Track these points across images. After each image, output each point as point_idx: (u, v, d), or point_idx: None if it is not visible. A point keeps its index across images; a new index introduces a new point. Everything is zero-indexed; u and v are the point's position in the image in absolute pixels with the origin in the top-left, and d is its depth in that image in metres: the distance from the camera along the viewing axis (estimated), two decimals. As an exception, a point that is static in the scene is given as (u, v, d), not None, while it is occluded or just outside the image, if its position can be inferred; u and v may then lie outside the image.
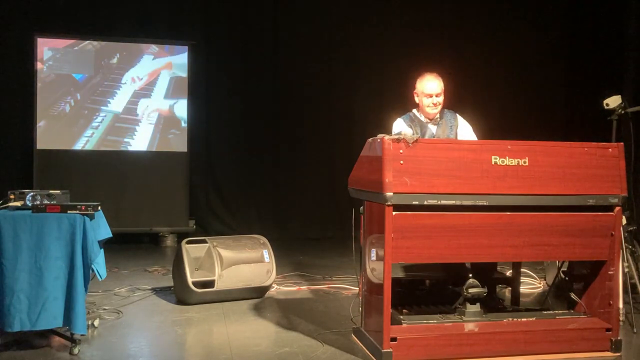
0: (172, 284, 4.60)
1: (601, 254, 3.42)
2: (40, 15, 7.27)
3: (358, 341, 3.55)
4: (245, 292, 4.53)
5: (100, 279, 3.48)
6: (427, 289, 4.11)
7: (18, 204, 3.42)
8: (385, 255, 3.12)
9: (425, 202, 3.15)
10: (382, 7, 8.24)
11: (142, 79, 7.44)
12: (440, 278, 4.04)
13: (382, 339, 3.14)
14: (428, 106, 4.01)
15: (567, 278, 4.30)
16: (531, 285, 5.13)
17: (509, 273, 4.60)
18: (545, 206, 3.29)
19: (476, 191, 3.21)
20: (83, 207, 3.32)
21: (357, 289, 3.92)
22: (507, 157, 3.25)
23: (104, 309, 4.19)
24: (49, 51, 7.17)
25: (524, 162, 3.27)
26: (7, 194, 3.47)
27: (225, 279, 4.39)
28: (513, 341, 3.30)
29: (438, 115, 4.06)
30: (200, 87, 7.76)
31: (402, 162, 3.13)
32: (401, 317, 3.41)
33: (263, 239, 4.77)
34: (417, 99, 4.09)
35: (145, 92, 7.45)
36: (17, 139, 7.28)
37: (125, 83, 7.39)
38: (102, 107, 7.32)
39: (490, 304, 3.72)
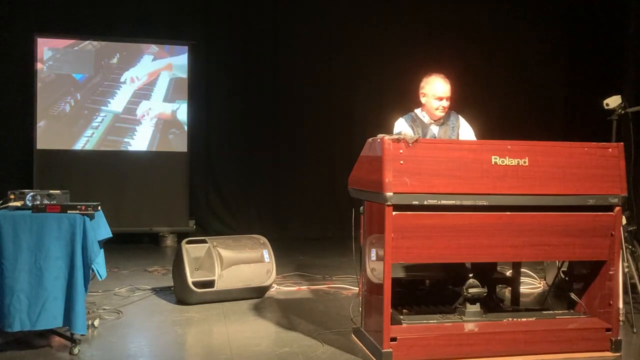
0: (172, 284, 4.61)
1: (601, 254, 3.42)
2: (40, 15, 7.27)
3: (358, 341, 3.55)
4: (245, 292, 4.53)
5: (100, 279, 3.48)
6: (427, 289, 4.11)
7: (18, 204, 3.42)
8: (385, 255, 3.12)
9: (425, 202, 3.15)
10: (382, 7, 8.24)
11: (142, 79, 7.44)
12: (440, 278, 4.04)
13: (382, 339, 3.14)
14: (437, 109, 3.97)
15: (567, 278, 4.30)
16: (531, 285, 5.14)
17: (509, 273, 4.60)
18: (545, 206, 3.29)
19: (476, 191, 3.21)
20: (83, 207, 3.32)
21: (357, 289, 3.92)
22: (507, 157, 3.25)
23: (104, 309, 4.19)
24: (49, 51, 7.17)
25: (524, 162, 3.27)
26: (7, 194, 3.46)
27: (225, 279, 4.39)
28: (513, 341, 3.30)
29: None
30: (200, 87, 7.77)
31: (402, 162, 3.13)
32: (401, 317, 3.41)
33: (263, 239, 4.77)
34: (423, 100, 4.02)
35: (145, 92, 7.45)
36: (17, 139, 7.28)
37: (125, 83, 7.39)
38: (102, 107, 7.32)
39: (490, 304, 3.72)
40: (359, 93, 8.22)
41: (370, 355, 3.31)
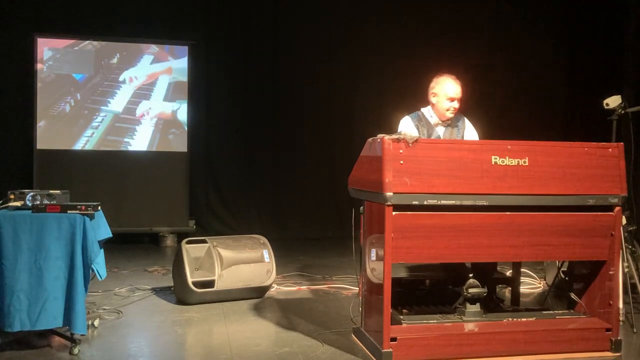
0: (172, 284, 4.60)
1: (601, 254, 3.42)
2: (40, 15, 7.27)
3: (358, 341, 3.55)
4: (245, 292, 4.53)
5: (100, 279, 3.48)
6: (427, 289, 4.11)
7: (18, 204, 3.42)
8: (385, 255, 3.12)
9: (425, 202, 3.15)
10: (382, 7, 8.24)
11: (142, 79, 7.44)
12: (440, 278, 4.03)
13: (382, 339, 3.14)
14: (447, 109, 3.94)
15: (567, 278, 4.29)
16: (531, 285, 5.14)
17: (509, 273, 4.60)
18: (545, 206, 3.29)
19: (476, 191, 3.21)
20: (83, 207, 3.32)
21: (357, 289, 3.92)
22: (507, 157, 3.25)
23: (104, 309, 4.19)
24: (49, 51, 7.17)
25: (524, 162, 3.27)
26: (7, 194, 3.46)
27: (225, 279, 4.39)
28: (513, 341, 3.30)
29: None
30: (200, 87, 7.76)
31: (402, 162, 3.13)
32: (401, 317, 3.41)
33: (263, 239, 4.77)
34: (434, 100, 3.98)
35: (145, 92, 7.45)
36: (17, 139, 7.28)
37: (125, 83, 7.39)
38: (102, 107, 7.33)
39: (490, 304, 3.72)
40: (359, 93, 8.22)
41: (370, 355, 3.31)
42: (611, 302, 3.41)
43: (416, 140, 3.18)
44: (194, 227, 7.60)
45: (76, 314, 3.25)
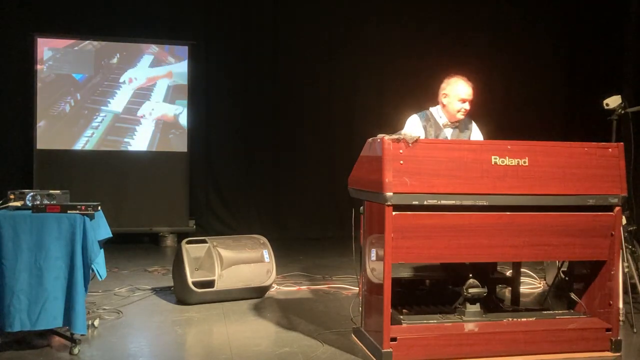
0: (172, 284, 4.61)
1: (601, 254, 3.42)
2: (40, 15, 7.27)
3: (358, 341, 3.55)
4: (245, 292, 4.53)
5: (100, 279, 3.48)
6: (427, 289, 4.11)
7: (18, 204, 3.42)
8: (385, 255, 3.12)
9: (425, 202, 3.15)
10: (382, 7, 8.24)
11: (142, 81, 7.44)
12: (440, 278, 4.03)
13: (382, 339, 3.14)
14: (458, 111, 3.92)
15: (567, 278, 4.29)
16: (531, 285, 5.14)
17: (509, 273, 4.60)
18: (545, 206, 3.29)
19: (476, 191, 3.21)
20: (83, 207, 3.32)
21: (357, 289, 3.92)
22: (507, 157, 3.25)
23: (104, 309, 4.19)
24: (49, 51, 7.17)
25: (524, 162, 3.27)
26: (7, 194, 3.46)
27: (225, 279, 4.39)
28: (513, 341, 3.30)
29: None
30: (200, 88, 7.76)
31: (402, 162, 3.13)
32: (401, 317, 3.41)
33: (263, 239, 4.77)
34: (445, 101, 3.96)
35: (145, 92, 7.45)
36: (17, 139, 7.28)
37: (125, 83, 7.39)
38: (102, 107, 7.33)
39: (490, 304, 3.72)
40: (359, 93, 8.22)
41: (370, 355, 3.31)
42: (611, 302, 3.41)
43: (416, 141, 3.18)
44: (194, 227, 7.61)
45: (76, 314, 3.25)
